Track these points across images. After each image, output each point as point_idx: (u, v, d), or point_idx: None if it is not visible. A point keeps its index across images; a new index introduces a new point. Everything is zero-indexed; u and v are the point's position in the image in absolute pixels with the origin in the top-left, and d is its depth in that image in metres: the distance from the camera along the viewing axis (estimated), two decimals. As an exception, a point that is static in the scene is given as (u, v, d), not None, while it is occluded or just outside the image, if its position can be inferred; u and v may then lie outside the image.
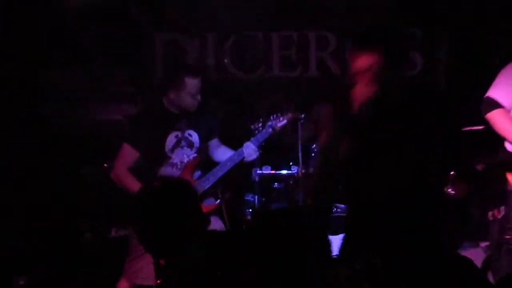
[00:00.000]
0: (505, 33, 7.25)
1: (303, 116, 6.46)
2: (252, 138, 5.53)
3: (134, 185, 5.17)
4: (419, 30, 7.64)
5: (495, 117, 5.27)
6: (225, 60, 7.51)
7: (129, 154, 5.34)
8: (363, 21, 7.35)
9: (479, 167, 6.61)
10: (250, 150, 5.48)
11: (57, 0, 6.85)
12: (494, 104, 5.25)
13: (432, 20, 7.62)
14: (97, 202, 6.33)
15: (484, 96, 5.30)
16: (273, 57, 7.59)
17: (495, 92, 5.27)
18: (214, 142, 5.62)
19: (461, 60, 7.63)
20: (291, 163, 6.69)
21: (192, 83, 5.31)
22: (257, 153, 5.54)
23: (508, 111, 5.28)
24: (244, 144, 5.48)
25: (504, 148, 5.36)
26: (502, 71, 5.32)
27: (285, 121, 5.71)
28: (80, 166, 6.61)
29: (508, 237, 5.62)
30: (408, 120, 4.11)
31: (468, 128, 6.41)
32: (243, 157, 5.48)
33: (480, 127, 6.32)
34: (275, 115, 5.76)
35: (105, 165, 6.28)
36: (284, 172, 6.70)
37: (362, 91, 4.18)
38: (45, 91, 6.88)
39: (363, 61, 4.20)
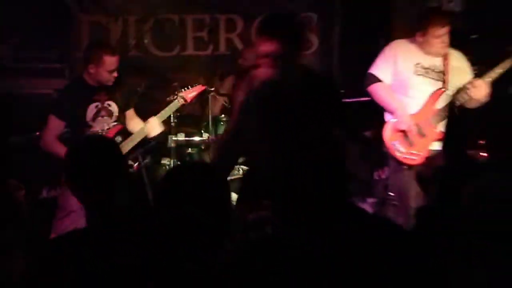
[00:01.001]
0: (388, 17, 7.56)
1: (212, 89, 6.80)
2: (157, 114, 5.61)
3: (62, 151, 4.86)
4: (314, 15, 7.85)
5: (374, 90, 5.53)
6: (145, 40, 7.63)
7: (55, 124, 5.37)
8: (266, 6, 7.48)
9: (368, 134, 7.06)
10: (153, 125, 5.54)
11: None
12: (374, 79, 5.51)
13: (326, 4, 7.88)
14: (29, 166, 6.23)
15: (367, 72, 5.56)
16: (187, 38, 7.76)
17: (375, 68, 5.52)
18: (129, 112, 5.68)
19: (351, 40, 7.84)
20: (202, 131, 6.87)
21: (109, 60, 5.32)
22: (161, 128, 5.62)
23: (388, 85, 5.51)
24: (148, 120, 5.57)
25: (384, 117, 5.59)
26: (382, 50, 5.58)
27: (194, 93, 5.88)
28: (11, 134, 6.62)
29: (391, 194, 5.88)
30: (304, 99, 4.11)
31: (357, 99, 6.82)
32: (146, 131, 5.54)
33: (368, 99, 6.43)
34: (186, 88, 5.92)
35: (36, 133, 6.23)
36: (196, 138, 6.89)
37: (264, 73, 4.20)
38: None
39: (265, 47, 4.19)
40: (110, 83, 5.42)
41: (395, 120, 5.49)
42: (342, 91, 6.99)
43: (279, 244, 2.45)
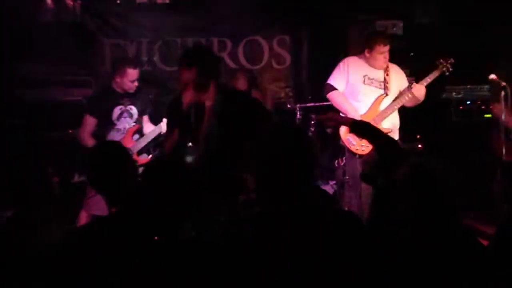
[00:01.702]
0: (345, 37, 7.49)
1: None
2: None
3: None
4: (288, 37, 7.79)
5: (332, 97, 5.56)
6: (154, 58, 7.57)
7: (89, 121, 5.42)
8: (249, 31, 7.65)
9: (329, 130, 6.95)
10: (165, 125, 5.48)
11: (32, 14, 6.87)
12: (331, 88, 5.53)
13: (296, 28, 7.82)
14: (63, 156, 6.13)
15: (326, 82, 5.58)
16: None
17: (332, 79, 5.54)
18: (145, 117, 5.65)
19: (316, 56, 7.75)
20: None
21: (131, 72, 5.35)
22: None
23: (342, 92, 5.51)
24: (163, 121, 5.38)
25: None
26: (338, 65, 5.58)
27: None
28: (50, 131, 6.56)
29: (347, 177, 5.97)
30: (224, 118, 4.09)
31: (321, 104, 6.72)
32: (160, 131, 5.43)
33: (329, 103, 6.79)
34: None
35: (69, 131, 6.41)
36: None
37: (188, 96, 4.15)
38: (24, 78, 6.83)
39: (186, 75, 4.11)
40: (132, 91, 5.44)
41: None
42: (310, 97, 7.12)
43: (265, 221, 2.38)
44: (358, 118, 5.33)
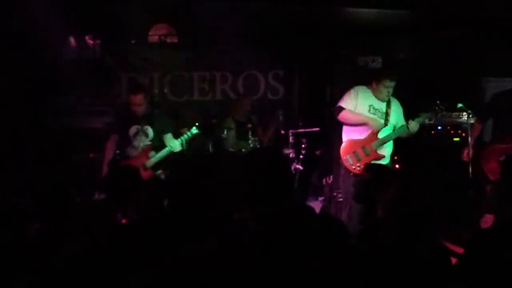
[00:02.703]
0: (331, 72, 7.40)
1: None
2: (179, 138, 5.55)
3: (105, 154, 5.55)
4: (281, 71, 7.83)
5: (344, 116, 5.44)
6: (165, 90, 7.60)
7: (113, 137, 5.63)
8: (248, 66, 7.68)
9: (318, 152, 7.11)
10: (175, 145, 5.51)
11: (58, 52, 6.92)
12: (342, 109, 5.44)
13: (288, 63, 7.84)
14: (86, 177, 6.00)
15: (336, 106, 5.51)
16: (194, 88, 7.69)
17: (342, 103, 5.45)
18: (166, 136, 5.63)
19: (306, 88, 7.85)
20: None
21: (133, 98, 5.49)
22: (181, 147, 5.56)
23: (351, 111, 5.41)
24: (173, 141, 5.52)
25: (340, 138, 5.58)
26: (348, 91, 5.49)
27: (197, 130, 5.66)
28: (75, 155, 6.62)
29: (335, 193, 6.06)
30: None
31: (311, 130, 6.81)
32: (172, 149, 5.52)
33: (318, 129, 6.85)
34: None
35: (91, 155, 6.48)
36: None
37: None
38: (51, 108, 6.92)
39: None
40: (143, 114, 5.53)
41: (349, 139, 5.50)
42: (300, 123, 7.14)
43: (260, 238, 2.40)
44: (378, 124, 5.36)
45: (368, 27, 7.17)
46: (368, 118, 5.40)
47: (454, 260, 2.71)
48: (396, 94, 5.60)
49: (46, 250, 3.02)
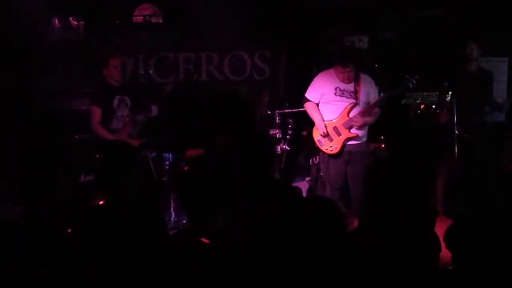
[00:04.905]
0: (318, 51, 7.47)
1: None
2: None
3: (104, 132, 5.52)
4: (267, 51, 7.79)
5: (306, 107, 5.65)
6: (150, 71, 7.60)
7: (96, 111, 5.58)
8: (234, 46, 7.63)
9: (304, 133, 6.96)
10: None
11: (42, 33, 6.82)
12: (306, 100, 5.62)
13: (275, 43, 7.76)
14: (72, 159, 6.03)
15: (304, 95, 5.65)
16: (179, 69, 7.66)
17: (308, 93, 5.61)
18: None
19: (292, 69, 7.78)
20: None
21: (112, 60, 5.60)
22: None
23: (316, 103, 5.57)
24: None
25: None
26: (314, 79, 5.63)
27: None
28: (60, 137, 6.48)
29: (321, 174, 6.03)
30: None
31: (297, 110, 6.62)
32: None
33: (304, 109, 6.80)
34: None
35: (76, 136, 6.38)
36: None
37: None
38: (36, 91, 6.88)
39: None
40: (119, 78, 5.67)
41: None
42: (287, 104, 7.11)
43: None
44: (323, 126, 5.47)
45: (354, 6, 7.17)
46: (318, 121, 5.52)
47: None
48: (383, 73, 5.61)
49: (35, 229, 3.04)
